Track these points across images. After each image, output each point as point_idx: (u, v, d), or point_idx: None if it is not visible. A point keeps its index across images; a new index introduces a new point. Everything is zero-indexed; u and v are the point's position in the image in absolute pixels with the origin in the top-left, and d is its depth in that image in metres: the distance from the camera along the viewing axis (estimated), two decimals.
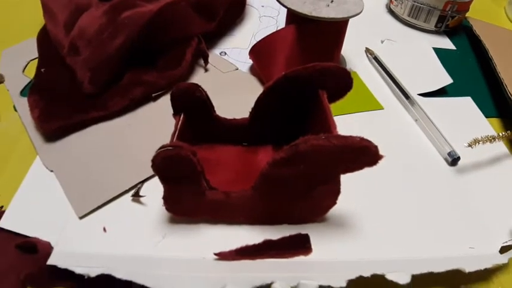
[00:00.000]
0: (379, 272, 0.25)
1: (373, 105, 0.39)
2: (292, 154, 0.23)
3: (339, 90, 0.30)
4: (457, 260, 0.28)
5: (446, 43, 0.49)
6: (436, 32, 0.51)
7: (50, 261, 0.26)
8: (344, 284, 0.24)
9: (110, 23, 0.37)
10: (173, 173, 0.25)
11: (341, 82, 0.29)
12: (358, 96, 0.40)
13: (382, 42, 0.48)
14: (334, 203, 0.27)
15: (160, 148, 0.24)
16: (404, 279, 0.25)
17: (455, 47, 0.49)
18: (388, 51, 0.46)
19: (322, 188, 0.26)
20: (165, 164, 0.24)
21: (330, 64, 0.29)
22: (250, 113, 0.31)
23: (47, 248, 0.28)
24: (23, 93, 0.40)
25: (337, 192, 0.27)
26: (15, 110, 0.38)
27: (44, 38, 0.43)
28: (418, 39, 0.49)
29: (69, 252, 0.27)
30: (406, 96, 0.39)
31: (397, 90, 0.40)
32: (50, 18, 0.42)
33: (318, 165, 0.24)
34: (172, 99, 0.29)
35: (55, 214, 0.30)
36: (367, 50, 0.45)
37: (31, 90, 0.37)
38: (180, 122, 0.29)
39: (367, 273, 0.25)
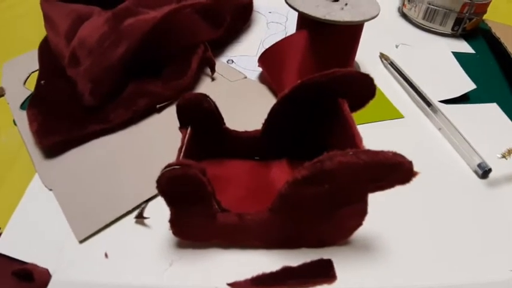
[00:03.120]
0: None
1: (392, 113, 0.36)
2: (316, 172, 0.20)
3: (361, 99, 0.26)
4: (498, 285, 0.24)
5: (464, 47, 0.46)
6: (453, 35, 0.47)
7: None
8: None
9: (112, 31, 0.34)
10: (180, 195, 0.21)
11: (363, 89, 0.26)
12: (375, 105, 0.36)
13: (397, 46, 0.44)
14: (360, 224, 0.24)
15: (166, 167, 0.21)
16: None
17: (474, 50, 0.45)
18: (404, 56, 0.42)
19: (347, 208, 0.23)
20: (171, 185, 0.21)
21: (351, 70, 0.25)
22: (263, 124, 0.28)
23: (45, 276, 0.24)
24: (23, 106, 0.37)
25: (363, 212, 0.23)
26: (15, 124, 0.36)
27: (45, 49, 0.40)
28: (434, 43, 0.46)
29: (69, 281, 0.24)
30: (428, 103, 0.36)
31: (417, 97, 0.37)
32: (51, 28, 0.39)
33: (345, 184, 0.21)
34: (178, 111, 0.26)
35: (54, 237, 0.27)
36: (382, 56, 0.42)
37: (30, 103, 0.34)
38: (187, 136, 0.26)
39: None
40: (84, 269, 0.25)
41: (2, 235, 0.27)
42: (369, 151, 0.20)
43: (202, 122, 0.27)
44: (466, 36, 0.48)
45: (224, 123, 0.28)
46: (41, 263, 0.25)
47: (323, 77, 0.25)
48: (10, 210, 0.29)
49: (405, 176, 0.21)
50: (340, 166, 0.20)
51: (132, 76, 0.34)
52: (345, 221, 0.24)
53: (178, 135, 0.27)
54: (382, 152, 0.20)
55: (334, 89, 0.26)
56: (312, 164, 0.20)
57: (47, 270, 0.25)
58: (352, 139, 0.23)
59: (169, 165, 0.21)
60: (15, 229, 0.28)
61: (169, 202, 0.22)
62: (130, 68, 0.34)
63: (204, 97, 0.26)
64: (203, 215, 0.23)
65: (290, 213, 0.23)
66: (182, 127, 0.27)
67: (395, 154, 0.20)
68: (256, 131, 0.28)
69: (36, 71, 0.40)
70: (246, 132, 0.28)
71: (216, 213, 0.23)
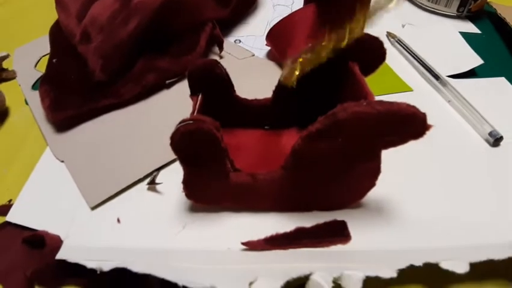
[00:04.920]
0: (432, 261, 0.21)
1: (401, 86, 0.35)
2: (330, 124, 0.20)
3: (372, 62, 0.26)
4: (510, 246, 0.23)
5: (470, 27, 0.45)
6: (458, 16, 0.47)
7: (59, 256, 0.22)
8: (395, 274, 0.20)
9: (123, 8, 0.33)
10: (194, 151, 0.21)
11: (373, 53, 0.26)
12: (384, 79, 0.36)
13: (403, 26, 0.44)
14: (373, 184, 0.23)
15: (180, 123, 0.20)
16: (462, 267, 0.21)
17: (480, 31, 0.45)
18: (410, 35, 0.42)
19: (361, 166, 0.22)
20: (185, 141, 0.20)
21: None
22: (274, 91, 0.28)
23: (56, 242, 0.24)
24: (34, 86, 0.37)
25: (377, 171, 0.23)
26: (27, 104, 0.36)
27: (56, 31, 0.40)
28: (440, 24, 0.45)
29: (80, 246, 0.23)
30: (436, 77, 0.35)
31: (425, 72, 0.36)
32: (62, 10, 0.39)
33: (359, 137, 0.20)
34: (189, 78, 0.26)
35: (65, 206, 0.26)
36: (389, 34, 0.41)
37: (42, 81, 0.34)
38: (198, 103, 0.26)
39: (418, 262, 0.21)
40: (96, 235, 0.24)
41: (13, 206, 0.27)
42: (383, 101, 0.20)
43: (213, 88, 0.26)
44: (472, 17, 0.47)
45: (234, 91, 0.27)
46: (52, 230, 0.25)
47: None
48: (22, 183, 0.29)
49: (419, 129, 0.20)
50: (354, 116, 0.19)
51: (142, 52, 0.34)
52: (358, 180, 0.23)
53: (187, 110, 0.27)
54: (396, 102, 0.20)
55: (345, 53, 0.25)
56: (326, 116, 0.20)
57: (58, 236, 0.25)
58: (365, 97, 0.23)
59: (183, 121, 0.20)
60: (27, 199, 0.27)
61: (182, 160, 0.22)
62: (140, 45, 0.34)
63: (216, 63, 0.26)
64: (216, 174, 0.22)
65: (303, 171, 0.22)
66: (193, 94, 0.26)
67: (409, 105, 0.20)
68: (266, 99, 0.28)
69: (46, 55, 0.40)
70: (256, 100, 0.28)
71: (228, 172, 0.23)
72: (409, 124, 0.20)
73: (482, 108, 0.32)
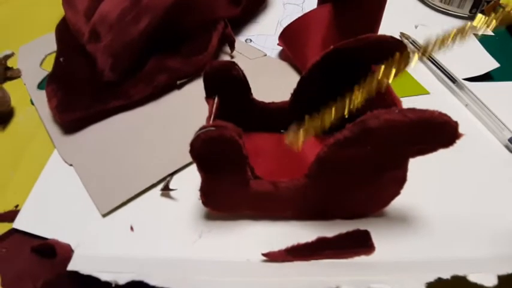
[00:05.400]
0: (460, 273, 0.20)
1: (418, 89, 0.34)
2: (360, 132, 0.18)
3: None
4: None
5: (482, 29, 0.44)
6: (471, 18, 0.46)
7: (71, 267, 0.21)
8: None
9: (133, 6, 0.32)
10: (214, 159, 0.20)
11: None
12: (399, 81, 0.34)
13: (416, 27, 0.43)
14: (398, 192, 0.22)
15: (201, 129, 0.19)
16: (490, 280, 0.20)
17: (493, 33, 0.44)
18: (424, 36, 0.41)
19: (387, 174, 0.21)
20: (206, 148, 0.19)
21: (385, 35, 0.24)
22: (292, 95, 0.26)
23: (67, 252, 0.23)
24: (40, 86, 0.36)
25: (402, 179, 0.22)
26: (32, 104, 0.34)
27: (63, 29, 0.38)
28: (452, 25, 0.44)
29: (93, 256, 0.22)
30: (453, 80, 0.34)
31: (441, 74, 0.35)
32: (69, 7, 0.37)
33: (388, 145, 0.19)
34: (205, 80, 0.25)
35: (75, 213, 0.25)
36: (403, 35, 0.40)
37: (49, 80, 0.33)
38: (214, 105, 0.24)
39: (446, 275, 0.20)
40: (109, 243, 0.23)
41: (20, 212, 0.26)
42: (415, 109, 0.19)
43: (229, 91, 0.25)
44: None
45: (252, 93, 0.26)
46: (62, 238, 0.24)
47: (358, 42, 0.23)
48: (29, 187, 0.27)
49: (450, 138, 0.19)
50: (385, 124, 0.18)
51: (153, 52, 0.33)
52: (383, 188, 0.22)
53: (199, 111, 0.25)
54: (428, 110, 0.19)
55: (368, 56, 0.24)
56: (354, 123, 0.19)
57: (69, 245, 0.23)
58: (393, 104, 0.22)
59: (204, 127, 0.19)
60: (34, 205, 0.26)
61: (201, 167, 0.21)
62: (151, 44, 0.32)
63: (233, 64, 0.24)
64: (236, 182, 0.21)
65: (327, 179, 0.21)
66: (209, 97, 0.25)
67: (441, 113, 0.19)
68: (283, 102, 0.27)
69: (52, 53, 0.39)
70: (273, 103, 0.27)
71: (249, 180, 0.21)
72: (440, 132, 0.19)
73: (500, 113, 0.31)
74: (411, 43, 0.39)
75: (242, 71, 0.25)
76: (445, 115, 0.19)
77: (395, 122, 0.18)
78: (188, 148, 0.20)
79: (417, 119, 0.18)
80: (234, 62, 0.24)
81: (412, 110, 0.18)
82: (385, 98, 0.22)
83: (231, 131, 0.19)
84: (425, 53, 0.22)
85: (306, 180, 0.21)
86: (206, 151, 0.19)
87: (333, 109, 0.20)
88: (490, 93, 0.34)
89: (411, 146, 0.20)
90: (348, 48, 0.24)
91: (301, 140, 0.19)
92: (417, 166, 0.22)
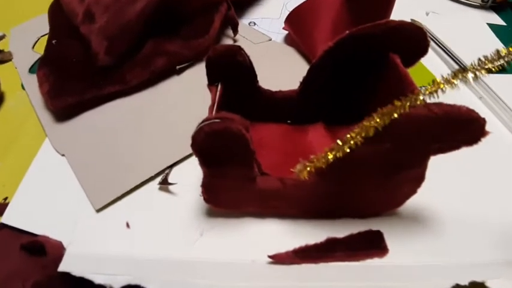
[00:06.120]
0: (478, 279, 0.19)
1: (430, 80, 0.32)
2: (380, 128, 0.17)
3: (412, 55, 0.23)
4: None
5: (494, 18, 0.42)
6: (482, 7, 0.43)
7: (62, 267, 0.19)
8: None
9: None
10: (219, 154, 0.18)
11: (416, 44, 0.22)
12: (412, 71, 0.33)
13: (427, 14, 0.41)
14: (415, 191, 0.21)
15: (204, 121, 0.17)
16: (509, 287, 0.19)
17: (505, 23, 0.42)
18: (435, 24, 0.38)
19: (404, 172, 0.19)
20: (210, 142, 0.17)
21: (404, 22, 0.22)
22: (301, 83, 0.24)
23: (58, 250, 0.21)
24: (31, 70, 0.33)
25: (420, 178, 0.20)
26: (23, 89, 0.32)
27: (56, 9, 0.36)
28: (464, 13, 0.42)
29: (85, 255, 0.20)
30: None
31: (454, 64, 0.33)
32: None
33: (410, 142, 0.17)
34: (208, 65, 0.22)
35: (68, 207, 0.23)
36: (414, 22, 0.38)
37: (41, 64, 0.30)
38: (217, 93, 0.22)
39: (464, 281, 0.19)
40: (103, 241, 0.21)
41: (9, 205, 0.24)
42: (441, 104, 0.17)
43: (234, 78, 0.23)
44: (496, 8, 0.44)
45: (258, 81, 0.24)
46: (53, 235, 0.22)
47: (376, 27, 0.21)
48: (18, 179, 0.25)
49: (475, 135, 0.18)
50: (409, 119, 0.16)
51: (150, 34, 0.30)
52: (399, 187, 0.20)
53: (200, 98, 0.23)
54: (455, 105, 0.17)
55: (386, 43, 0.22)
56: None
57: (61, 242, 0.22)
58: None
59: (208, 119, 0.17)
60: (24, 198, 0.24)
61: (204, 162, 0.19)
62: (148, 26, 0.30)
63: (238, 49, 0.22)
64: (241, 178, 0.19)
65: (339, 176, 0.19)
66: (211, 84, 0.23)
67: (469, 109, 0.17)
68: (292, 91, 0.25)
69: (45, 35, 0.36)
70: (280, 92, 0.25)
71: (255, 176, 0.19)
72: (467, 130, 0.17)
73: None
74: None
75: (248, 57, 0.23)
76: (473, 111, 0.17)
77: (420, 117, 0.16)
78: (189, 138, 0.18)
79: (444, 114, 0.16)
80: (239, 47, 0.22)
81: (439, 105, 0.16)
82: (403, 86, 0.20)
83: (238, 124, 0.17)
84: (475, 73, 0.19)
85: (316, 177, 0.19)
86: (210, 145, 0.17)
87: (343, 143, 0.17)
88: (505, 86, 0.32)
89: (434, 143, 0.18)
90: (364, 34, 0.21)
91: (307, 170, 0.17)
92: (431, 163, 0.20)
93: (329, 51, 0.22)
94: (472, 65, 0.18)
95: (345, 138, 0.17)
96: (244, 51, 0.22)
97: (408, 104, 0.16)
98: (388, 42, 0.22)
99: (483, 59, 0.18)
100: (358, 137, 0.16)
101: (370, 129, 0.16)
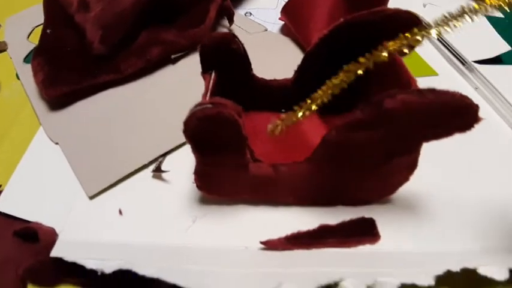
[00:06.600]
0: (470, 266, 0.19)
1: (426, 70, 0.32)
2: (374, 114, 0.16)
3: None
4: None
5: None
6: None
7: (54, 253, 0.19)
8: (432, 282, 0.18)
9: None
10: (211, 139, 0.18)
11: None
12: (407, 61, 0.32)
13: (424, 6, 0.40)
14: (407, 179, 0.20)
15: (196, 106, 0.17)
16: (501, 274, 0.19)
17: (503, 15, 0.41)
18: (432, 16, 0.38)
19: (397, 159, 0.19)
20: (202, 127, 0.17)
21: (400, 9, 0.21)
22: (296, 71, 0.24)
23: (51, 236, 0.21)
24: (26, 59, 0.33)
25: (413, 165, 0.20)
26: (18, 78, 0.32)
27: None
28: (461, 4, 0.42)
29: (77, 241, 0.20)
30: (463, 62, 0.32)
31: (450, 55, 0.33)
32: None
33: (403, 128, 0.17)
34: (202, 53, 0.22)
35: (61, 195, 0.23)
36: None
37: (35, 53, 0.30)
38: (211, 81, 0.22)
39: (456, 267, 0.18)
40: (95, 228, 0.21)
41: (2, 192, 0.24)
42: (434, 90, 0.16)
43: (228, 66, 0.23)
44: None
45: (252, 69, 0.24)
46: (47, 222, 0.22)
47: (372, 15, 0.21)
48: (12, 166, 0.25)
49: (468, 122, 0.17)
50: (402, 106, 0.16)
51: (146, 23, 0.30)
52: (392, 174, 0.20)
53: (195, 88, 0.23)
54: (449, 91, 0.17)
55: (382, 31, 0.21)
56: (368, 104, 0.17)
57: (53, 229, 0.21)
58: (408, 85, 0.19)
59: (200, 104, 0.17)
60: (18, 186, 0.24)
61: (196, 149, 0.18)
62: (143, 15, 0.30)
63: (233, 37, 0.22)
64: (234, 164, 0.19)
65: (333, 164, 0.19)
66: (205, 72, 0.23)
67: (463, 95, 0.17)
68: (286, 79, 0.24)
69: (40, 25, 0.36)
70: (275, 80, 0.24)
71: (248, 163, 0.19)
72: (460, 116, 0.17)
73: (511, 97, 0.29)
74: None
75: (242, 44, 0.22)
76: (467, 97, 0.17)
77: (413, 103, 0.16)
78: (182, 127, 0.17)
79: (437, 100, 0.16)
80: (234, 34, 0.22)
81: (432, 91, 0.16)
82: (399, 77, 0.20)
83: (230, 109, 0.17)
84: (439, 29, 0.19)
85: (308, 165, 0.19)
86: (202, 131, 0.17)
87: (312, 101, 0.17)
88: (501, 77, 0.32)
89: (427, 129, 0.17)
90: (360, 21, 0.21)
91: (279, 128, 0.17)
92: (425, 151, 0.20)
93: (324, 39, 0.22)
94: (435, 21, 0.17)
95: (313, 96, 0.17)
96: (238, 39, 0.22)
97: (373, 59, 0.16)
98: (384, 30, 0.21)
99: (448, 16, 0.18)
100: (325, 94, 0.16)
101: (336, 86, 0.16)
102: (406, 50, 0.17)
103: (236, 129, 0.17)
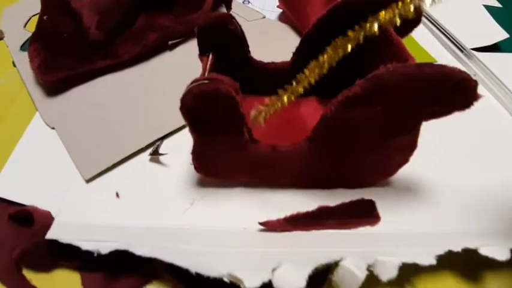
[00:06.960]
0: (471, 246, 0.18)
1: (424, 57, 0.32)
2: (372, 88, 0.16)
3: (406, 24, 0.22)
4: None
5: (490, 0, 0.42)
6: None
7: (50, 235, 0.19)
8: (434, 261, 0.17)
9: None
10: (208, 117, 0.17)
11: None
12: None
13: None
14: (407, 160, 0.20)
15: (193, 82, 0.17)
16: (503, 254, 0.18)
17: (501, 5, 0.41)
18: (432, 5, 0.38)
19: (396, 139, 0.19)
20: (198, 104, 0.17)
21: None
22: (293, 54, 0.24)
23: (47, 219, 0.21)
24: (23, 47, 0.33)
25: (413, 146, 0.19)
26: (14, 66, 0.31)
27: None
28: None
29: (73, 224, 0.20)
30: (461, 49, 0.32)
31: (448, 43, 0.33)
32: None
33: (402, 105, 0.17)
34: (199, 34, 0.22)
35: (57, 178, 0.23)
36: None
37: (32, 39, 0.30)
38: (208, 63, 0.22)
39: (457, 247, 0.18)
40: (92, 211, 0.21)
41: None
42: (432, 64, 0.16)
43: (225, 47, 0.22)
44: None
45: (249, 51, 0.23)
46: (43, 206, 0.21)
47: None
48: (8, 152, 0.25)
49: (468, 98, 0.17)
50: (400, 80, 0.16)
51: (143, 9, 0.30)
52: (391, 155, 0.20)
53: (192, 74, 0.22)
54: (447, 65, 0.16)
55: (379, 11, 0.21)
56: (366, 79, 0.16)
57: (49, 212, 0.21)
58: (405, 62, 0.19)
59: (196, 80, 0.17)
60: (14, 170, 0.24)
61: (193, 126, 0.18)
62: (141, 0, 0.29)
63: (230, 18, 0.21)
64: (232, 144, 0.19)
65: (332, 143, 0.19)
66: (202, 54, 0.22)
67: (461, 70, 0.16)
68: (284, 62, 0.24)
69: (36, 14, 0.36)
70: (272, 63, 0.24)
71: (246, 143, 0.19)
72: (459, 91, 0.17)
73: (509, 83, 0.29)
74: None
75: (240, 26, 0.22)
76: (465, 72, 0.16)
77: (411, 77, 0.16)
78: (179, 111, 0.17)
79: (435, 74, 0.16)
80: (230, 15, 0.21)
81: (430, 65, 0.16)
82: (397, 55, 0.20)
83: (227, 85, 0.16)
84: None
85: (308, 144, 0.19)
86: (198, 107, 0.17)
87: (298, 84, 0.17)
88: (499, 64, 0.32)
89: (426, 106, 0.17)
90: (358, 1, 0.21)
91: (262, 115, 0.17)
92: (425, 135, 0.20)
93: (322, 20, 0.22)
94: None
95: (298, 78, 0.16)
96: (235, 20, 0.22)
97: (362, 33, 0.16)
98: (382, 10, 0.21)
99: None
100: (312, 74, 0.16)
101: (324, 64, 0.16)
102: (398, 21, 0.16)
103: (233, 105, 0.17)
